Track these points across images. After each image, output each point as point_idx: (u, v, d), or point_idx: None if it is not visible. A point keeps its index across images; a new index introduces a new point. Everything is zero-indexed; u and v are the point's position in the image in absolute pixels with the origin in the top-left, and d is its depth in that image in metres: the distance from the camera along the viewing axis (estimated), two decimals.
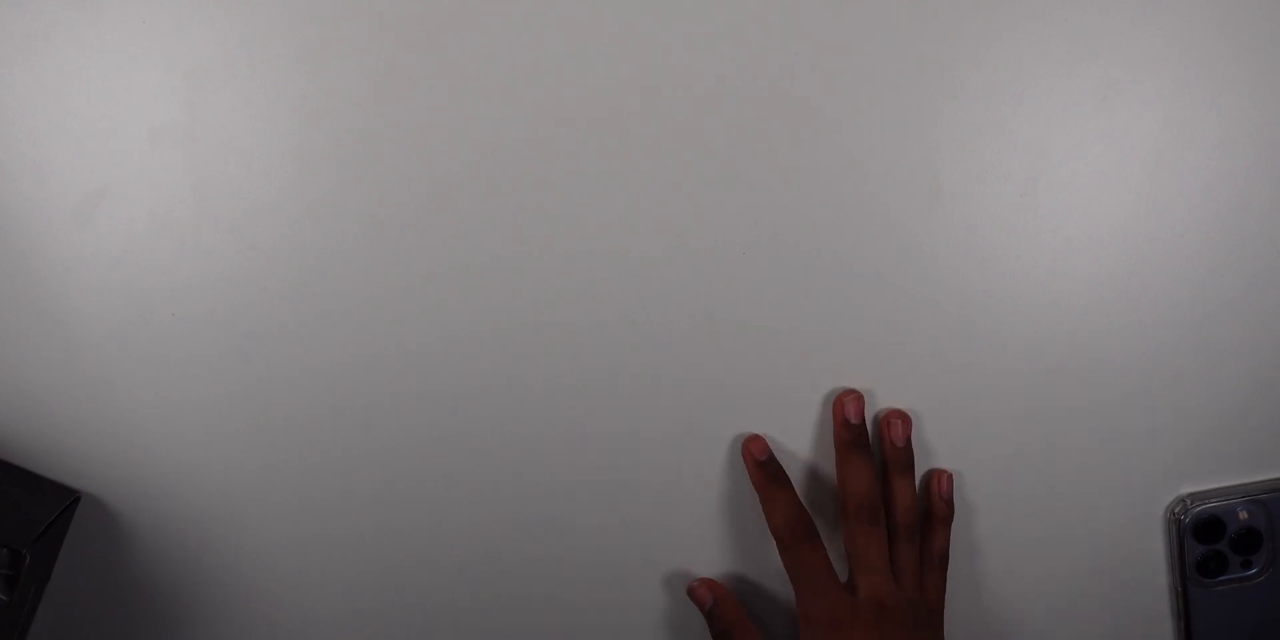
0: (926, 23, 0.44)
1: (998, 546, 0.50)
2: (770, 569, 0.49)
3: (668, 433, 0.47)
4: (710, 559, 0.49)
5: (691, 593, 0.47)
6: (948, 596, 0.48)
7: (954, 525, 0.49)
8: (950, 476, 0.47)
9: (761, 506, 0.46)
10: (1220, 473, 0.49)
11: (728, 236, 0.45)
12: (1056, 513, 0.49)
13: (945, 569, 0.47)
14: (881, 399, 0.47)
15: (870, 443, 0.46)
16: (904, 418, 0.46)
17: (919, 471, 0.48)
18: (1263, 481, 0.49)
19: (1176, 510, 0.49)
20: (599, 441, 0.47)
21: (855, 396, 0.46)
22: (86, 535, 0.46)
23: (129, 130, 0.42)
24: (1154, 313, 0.47)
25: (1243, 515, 0.49)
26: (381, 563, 0.47)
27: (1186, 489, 0.49)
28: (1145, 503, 0.49)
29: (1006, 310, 0.47)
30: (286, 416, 0.45)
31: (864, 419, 0.46)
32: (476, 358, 0.45)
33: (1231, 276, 0.47)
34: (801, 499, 0.47)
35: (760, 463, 0.46)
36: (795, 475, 0.48)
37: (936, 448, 0.48)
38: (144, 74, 0.42)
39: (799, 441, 0.47)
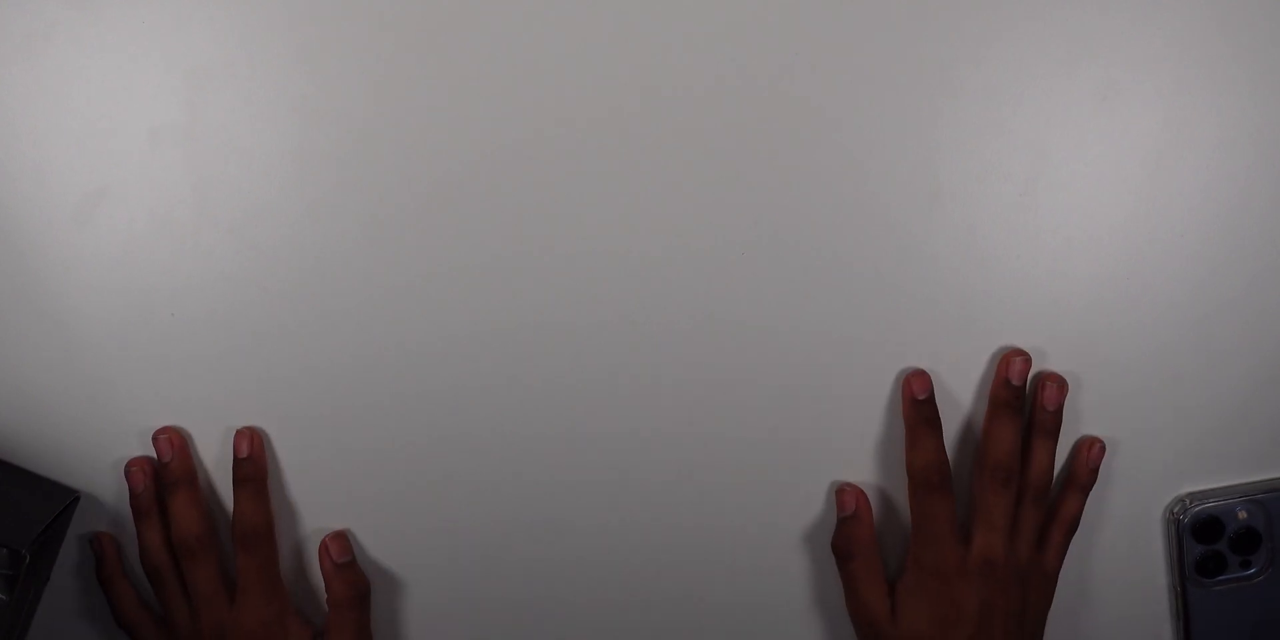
0: (926, 23, 0.44)
1: None
2: (771, 569, 0.49)
3: (668, 433, 0.47)
4: (710, 558, 0.49)
5: (838, 495, 0.47)
6: None
7: None
8: (1103, 447, 0.47)
9: (905, 445, 0.46)
10: (1219, 473, 0.49)
11: (728, 236, 0.45)
12: None
13: (1072, 535, 0.47)
14: (881, 398, 0.47)
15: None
16: (1061, 383, 0.46)
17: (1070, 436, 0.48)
18: (1262, 481, 0.49)
19: (1176, 510, 0.49)
20: (599, 441, 0.47)
21: (1024, 358, 0.46)
22: (86, 535, 0.46)
23: (129, 130, 0.42)
24: (1154, 313, 0.47)
25: (1242, 515, 0.49)
26: (379, 562, 0.47)
27: (1186, 489, 0.49)
28: (1144, 503, 0.49)
29: (1006, 310, 0.47)
30: (286, 416, 0.45)
31: (1025, 382, 0.46)
32: (476, 357, 0.45)
33: (1231, 276, 0.47)
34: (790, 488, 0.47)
35: (918, 401, 0.45)
36: (786, 474, 0.48)
37: None
38: (144, 74, 0.42)
39: (799, 440, 0.47)
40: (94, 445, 0.45)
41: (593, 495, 0.47)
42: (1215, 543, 0.49)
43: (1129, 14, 0.44)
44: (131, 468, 0.44)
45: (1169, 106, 0.45)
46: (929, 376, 0.46)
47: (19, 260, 0.43)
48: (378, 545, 0.47)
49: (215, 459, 0.46)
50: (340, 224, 0.44)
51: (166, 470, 0.44)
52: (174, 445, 0.44)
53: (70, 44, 0.41)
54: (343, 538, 0.46)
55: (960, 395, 0.47)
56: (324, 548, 0.46)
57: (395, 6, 0.42)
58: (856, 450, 0.48)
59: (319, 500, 0.46)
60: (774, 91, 0.44)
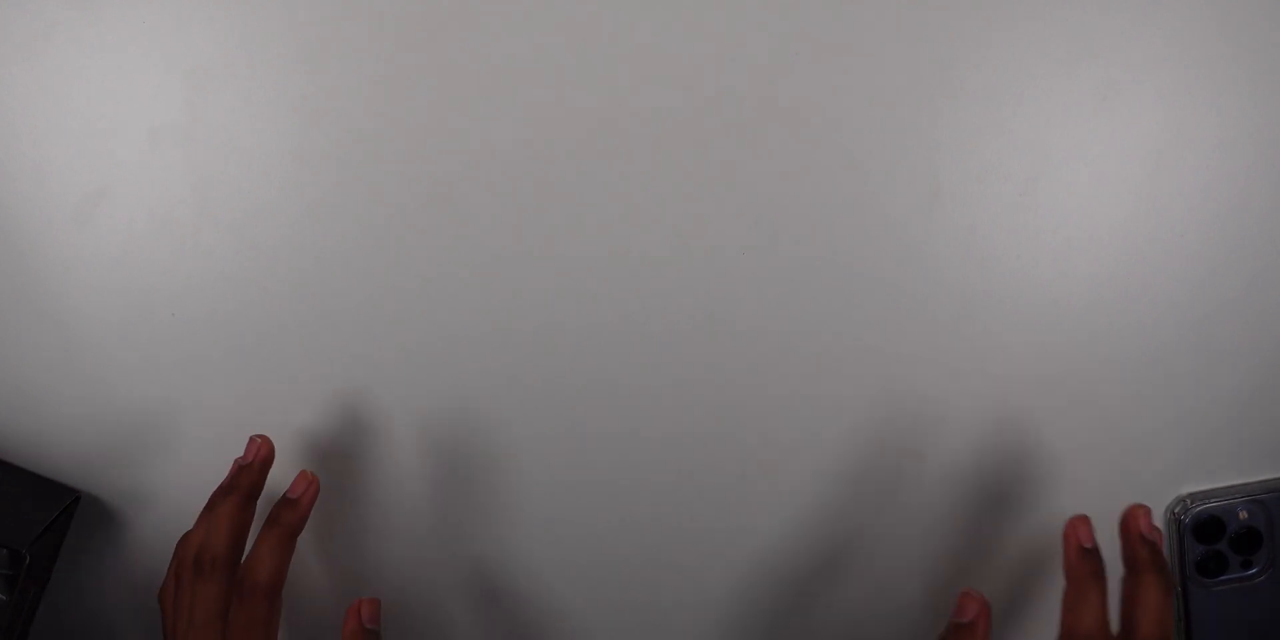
0: (927, 23, 0.44)
1: (998, 546, 0.50)
2: (769, 572, 0.49)
3: (666, 433, 0.47)
4: (711, 559, 0.49)
5: (961, 598, 0.41)
6: (946, 596, 0.48)
7: (954, 526, 0.49)
8: (1148, 511, 0.41)
9: (1065, 600, 0.41)
10: (1220, 472, 0.49)
11: (728, 236, 0.45)
12: (1057, 513, 0.49)
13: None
14: (881, 399, 0.47)
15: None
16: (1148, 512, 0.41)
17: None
18: (1263, 481, 0.49)
19: (1176, 510, 0.49)
20: (599, 442, 0.47)
21: (1084, 519, 0.41)
22: (86, 535, 0.46)
23: (129, 130, 0.42)
24: (1154, 312, 0.47)
25: (1243, 515, 0.49)
26: (379, 562, 0.47)
27: (1186, 489, 0.49)
28: (1145, 502, 0.49)
29: (1007, 310, 0.47)
30: (286, 416, 0.45)
31: (1096, 542, 0.41)
32: (477, 357, 0.45)
33: (1231, 276, 0.47)
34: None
35: (1085, 550, 0.40)
36: (784, 475, 0.48)
37: (936, 448, 0.48)
38: (144, 74, 0.42)
39: (798, 440, 0.47)
40: (94, 445, 0.45)
41: (592, 495, 0.47)
42: (1216, 543, 0.49)
43: (1129, 14, 0.44)
44: (240, 458, 0.42)
45: (1169, 106, 0.45)
46: (1091, 522, 0.41)
47: (19, 260, 0.43)
48: (375, 544, 0.47)
49: (212, 462, 0.45)
50: (340, 224, 0.44)
51: (237, 473, 0.42)
52: (259, 455, 0.42)
53: (70, 44, 0.41)
54: (377, 605, 0.42)
55: (960, 396, 0.47)
56: (356, 608, 0.42)
57: (395, 7, 0.42)
58: (855, 451, 0.48)
59: (318, 501, 0.46)
60: (774, 91, 0.44)
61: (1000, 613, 0.50)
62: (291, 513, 0.41)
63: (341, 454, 0.46)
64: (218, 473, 0.46)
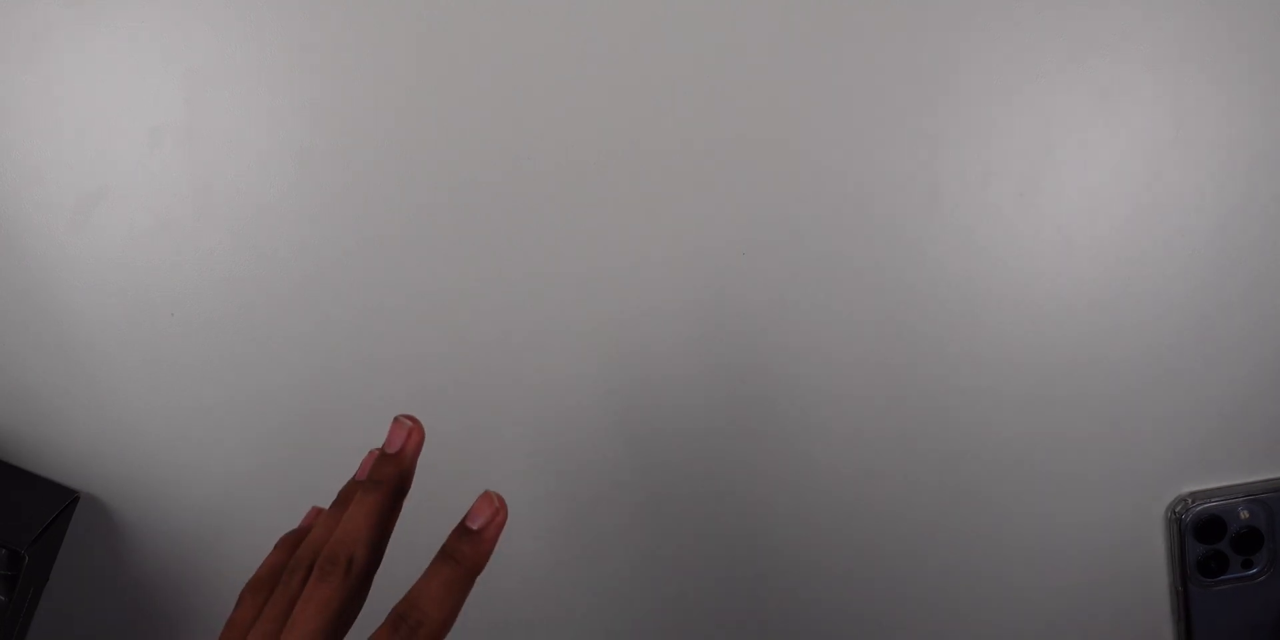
0: (927, 22, 0.44)
1: (998, 546, 0.50)
2: (768, 571, 0.49)
3: (667, 434, 0.47)
4: (708, 562, 0.49)
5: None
6: (946, 595, 0.48)
7: (955, 525, 0.49)
8: None
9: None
10: (1221, 472, 0.49)
11: (728, 236, 0.45)
12: (1057, 512, 0.49)
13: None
14: (882, 399, 0.47)
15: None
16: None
17: None
18: (1264, 481, 0.49)
19: (1177, 509, 0.49)
20: (600, 443, 0.47)
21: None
22: (86, 535, 0.46)
23: (129, 130, 0.42)
24: (1155, 312, 0.47)
25: (1244, 515, 0.49)
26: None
27: (1187, 488, 0.49)
28: (1146, 502, 0.49)
29: (1007, 310, 0.47)
30: (285, 416, 0.45)
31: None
32: (475, 359, 0.45)
33: (1232, 276, 0.47)
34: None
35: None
36: (781, 475, 0.48)
37: (937, 448, 0.48)
38: (144, 74, 0.42)
39: (796, 441, 0.47)
40: (94, 445, 0.45)
41: (592, 497, 0.47)
42: (1217, 542, 0.49)
43: (1129, 14, 0.44)
44: (385, 445, 0.35)
45: (1169, 106, 0.45)
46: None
47: (19, 260, 0.43)
48: None
49: (216, 459, 0.45)
50: (341, 224, 0.44)
51: (381, 464, 0.35)
52: (409, 442, 0.34)
53: (70, 44, 0.41)
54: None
55: (960, 395, 0.47)
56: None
57: (397, 7, 0.42)
58: (856, 450, 0.48)
59: (317, 501, 0.46)
60: (774, 91, 0.44)
61: (1001, 612, 0.50)
62: (474, 549, 0.34)
63: (338, 455, 0.46)
64: (217, 473, 0.46)
